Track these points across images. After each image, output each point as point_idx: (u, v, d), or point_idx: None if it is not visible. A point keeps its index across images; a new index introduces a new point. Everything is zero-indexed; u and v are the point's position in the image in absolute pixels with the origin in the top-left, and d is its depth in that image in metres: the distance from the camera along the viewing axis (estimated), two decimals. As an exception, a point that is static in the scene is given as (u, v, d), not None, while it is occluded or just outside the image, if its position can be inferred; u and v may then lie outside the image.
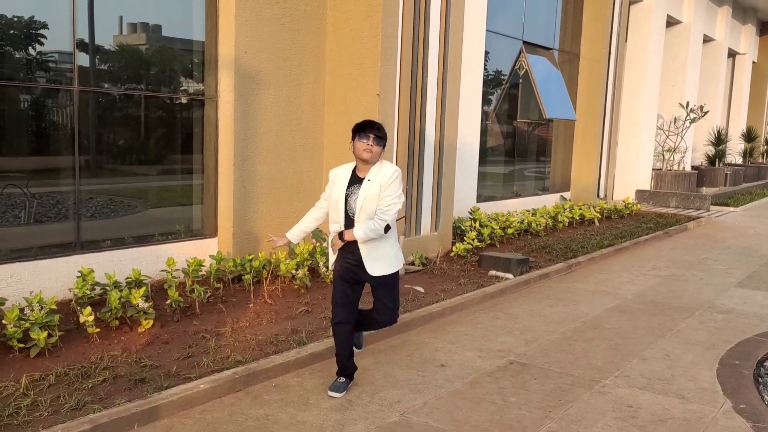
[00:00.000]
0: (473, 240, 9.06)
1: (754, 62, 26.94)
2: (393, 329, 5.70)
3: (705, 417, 4.42)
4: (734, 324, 6.62)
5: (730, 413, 4.48)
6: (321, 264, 7.04)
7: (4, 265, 5.62)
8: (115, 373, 4.50)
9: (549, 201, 13.76)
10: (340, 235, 4.31)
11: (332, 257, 4.47)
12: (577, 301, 7.30)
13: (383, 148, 4.28)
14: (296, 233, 4.69)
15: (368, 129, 4.23)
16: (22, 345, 4.70)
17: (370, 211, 4.24)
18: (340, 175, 4.41)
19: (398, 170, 4.32)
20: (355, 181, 4.32)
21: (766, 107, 28.06)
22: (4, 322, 4.80)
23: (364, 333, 4.99)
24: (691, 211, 15.42)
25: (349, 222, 4.31)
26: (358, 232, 4.24)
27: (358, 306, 4.55)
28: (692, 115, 18.20)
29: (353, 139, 4.27)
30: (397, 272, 4.46)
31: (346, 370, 4.58)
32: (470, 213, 10.58)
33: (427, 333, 5.91)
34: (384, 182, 4.24)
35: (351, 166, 4.40)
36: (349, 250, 4.33)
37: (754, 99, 27.45)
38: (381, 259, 4.35)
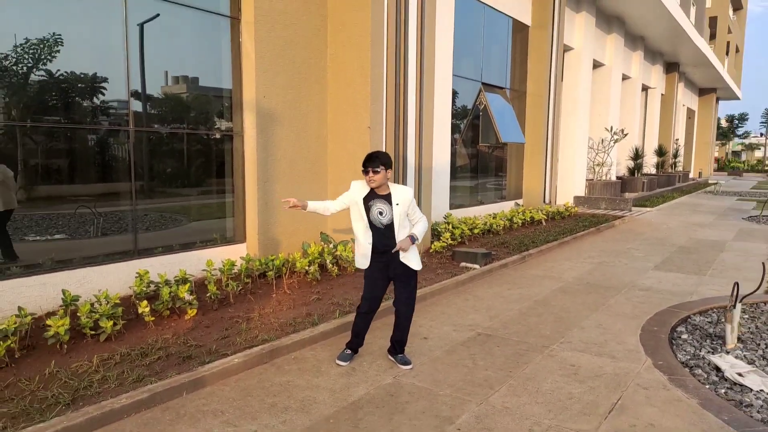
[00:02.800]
0: (447, 239, 9.07)
1: (662, 94, 27.16)
2: (387, 311, 5.71)
3: (631, 372, 4.44)
4: (652, 299, 6.65)
5: (650, 369, 4.51)
6: (328, 261, 7.04)
7: (77, 270, 5.60)
8: (167, 352, 4.49)
9: (506, 207, 13.80)
10: (413, 239, 4.25)
11: (359, 259, 4.34)
12: (529, 285, 7.32)
13: (385, 171, 4.18)
14: (312, 205, 4.43)
15: (367, 165, 4.16)
16: (93, 332, 4.69)
17: (406, 223, 4.30)
18: (359, 189, 4.29)
19: (412, 191, 4.39)
20: (374, 196, 4.23)
21: (672, 129, 28.26)
22: (78, 314, 4.77)
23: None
24: (617, 212, 15.50)
25: (374, 229, 4.25)
26: (419, 233, 4.28)
27: (381, 301, 4.46)
28: (615, 137, 18.33)
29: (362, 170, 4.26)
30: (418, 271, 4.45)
31: (356, 345, 4.57)
32: (445, 218, 10.59)
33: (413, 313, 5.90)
34: (408, 202, 4.26)
35: (368, 189, 4.30)
36: (384, 253, 4.26)
37: (663, 122, 27.66)
38: (414, 258, 4.34)
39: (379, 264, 4.29)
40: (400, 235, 4.25)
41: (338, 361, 4.49)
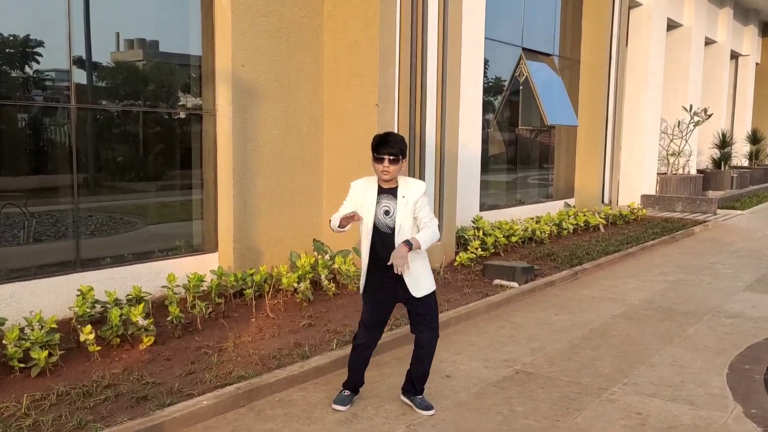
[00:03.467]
0: (477, 249, 9.06)
1: (757, 63, 26.99)
2: (397, 341, 5.71)
3: (715, 423, 4.41)
4: (743, 328, 6.60)
5: (740, 418, 4.47)
6: (323, 277, 7.05)
7: (3, 285, 5.64)
8: (117, 391, 4.50)
9: (553, 208, 13.76)
10: (408, 244, 4.06)
11: (363, 279, 4.35)
12: (583, 309, 7.29)
13: (402, 160, 4.18)
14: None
15: (382, 149, 4.12)
16: (22, 365, 4.71)
17: (408, 226, 4.20)
18: (366, 189, 4.27)
19: (425, 185, 4.33)
20: (381, 191, 4.23)
21: (771, 108, 28.08)
22: (4, 342, 4.81)
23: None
24: (697, 215, 15.41)
25: (376, 233, 4.22)
26: (423, 241, 4.12)
27: (384, 329, 4.49)
28: (696, 119, 18.23)
29: (372, 155, 4.18)
30: (435, 290, 4.39)
31: (356, 384, 4.58)
32: (473, 222, 10.58)
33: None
34: (418, 196, 4.21)
35: (373, 179, 4.29)
36: (390, 266, 4.10)
37: (759, 100, 27.46)
38: (426, 277, 4.28)
39: (383, 280, 4.27)
40: (399, 239, 4.16)
41: (335, 406, 4.50)
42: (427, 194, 4.41)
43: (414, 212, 4.22)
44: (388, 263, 4.06)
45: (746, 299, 7.83)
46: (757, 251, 11.23)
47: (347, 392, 4.57)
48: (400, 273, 4.04)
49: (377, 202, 4.22)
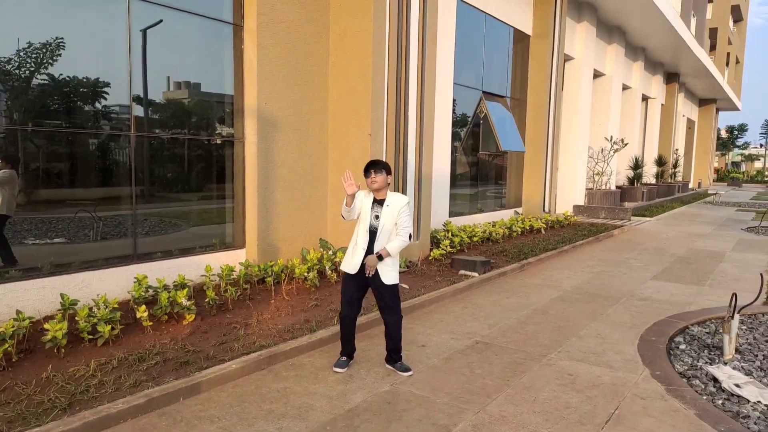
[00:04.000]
0: (447, 246, 9.07)
1: (662, 104, 27.25)
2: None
3: (629, 382, 4.44)
4: (651, 309, 6.64)
5: (648, 379, 4.50)
6: (327, 268, 7.03)
7: (76, 274, 5.60)
8: (165, 357, 4.48)
9: (505, 215, 13.81)
10: (379, 256, 4.25)
11: (348, 261, 4.37)
12: (528, 293, 7.32)
13: (386, 175, 4.31)
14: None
15: (368, 168, 4.30)
16: (90, 336, 4.68)
17: (389, 228, 4.32)
18: (365, 196, 4.39)
19: (408, 200, 4.42)
20: (375, 201, 4.36)
21: (672, 139, 28.32)
22: (76, 318, 4.77)
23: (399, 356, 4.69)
24: (616, 221, 15.51)
25: (370, 229, 4.32)
26: (391, 249, 4.28)
27: (361, 303, 4.53)
28: (615, 146, 18.37)
29: (364, 176, 4.35)
30: (398, 283, 4.47)
31: (350, 351, 4.58)
32: (444, 225, 10.60)
33: (410, 320, 5.90)
34: (399, 206, 4.32)
35: (370, 193, 4.40)
36: (366, 257, 4.32)
37: (663, 132, 27.72)
38: (391, 272, 4.36)
39: (363, 269, 4.37)
40: (380, 241, 4.30)
41: (335, 368, 4.49)
42: (409, 206, 4.46)
43: (396, 218, 4.32)
44: (366, 269, 4.29)
45: (653, 286, 7.89)
46: (662, 249, 11.32)
47: (344, 358, 4.57)
48: (368, 275, 4.28)
49: (371, 209, 4.34)
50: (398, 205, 4.33)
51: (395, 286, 4.41)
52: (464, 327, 5.78)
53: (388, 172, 4.34)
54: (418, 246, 8.83)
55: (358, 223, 4.39)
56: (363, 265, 4.33)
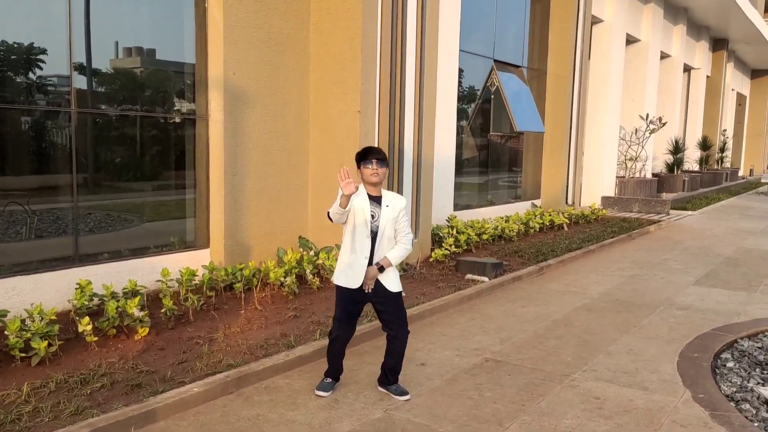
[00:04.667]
0: (451, 246, 9.08)
1: (708, 76, 27.33)
2: (375, 332, 5.70)
3: (666, 406, 4.46)
4: (692, 319, 6.68)
5: (689, 402, 4.53)
6: (308, 272, 7.03)
7: (6, 279, 5.56)
8: (113, 379, 4.46)
9: (521, 208, 13.84)
10: (380, 268, 4.25)
11: (344, 272, 4.33)
12: (548, 301, 7.34)
13: (387, 168, 4.33)
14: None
15: (370, 155, 4.23)
16: (23, 354, 4.65)
17: (390, 233, 4.32)
18: (358, 199, 4.26)
19: (405, 200, 4.45)
20: (371, 200, 4.30)
21: (719, 118, 28.45)
22: (6, 332, 4.74)
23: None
24: (652, 215, 15.58)
25: (373, 238, 4.29)
26: (394, 259, 4.29)
27: (356, 325, 4.53)
28: (652, 126, 18.43)
29: (359, 166, 4.28)
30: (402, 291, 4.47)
31: (337, 373, 4.59)
32: (448, 221, 10.61)
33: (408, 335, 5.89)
34: (399, 208, 4.33)
35: (361, 188, 4.30)
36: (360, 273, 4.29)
37: (709, 110, 27.83)
38: (394, 279, 4.36)
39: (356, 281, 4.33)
40: (382, 248, 4.28)
41: (318, 392, 4.49)
42: (407, 208, 4.49)
43: (396, 222, 4.33)
44: (364, 285, 4.28)
45: (695, 293, 7.93)
46: (706, 249, 11.39)
47: (329, 380, 4.57)
48: (367, 290, 4.28)
49: (373, 212, 4.28)
50: (398, 207, 4.33)
51: (400, 294, 4.41)
52: (472, 342, 5.78)
53: (387, 164, 4.34)
54: (417, 245, 8.83)
55: (353, 226, 4.29)
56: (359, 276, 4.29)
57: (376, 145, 4.47)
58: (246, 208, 7.39)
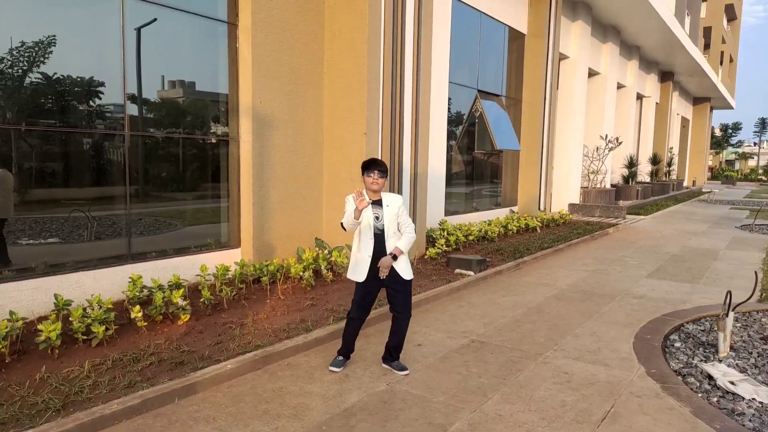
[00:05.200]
0: (442, 245, 9.07)
1: (657, 103, 27.33)
2: (380, 317, 5.70)
3: (624, 380, 4.44)
4: (646, 307, 6.66)
5: (643, 377, 4.51)
6: (323, 267, 7.02)
7: (71, 274, 5.56)
8: (160, 357, 4.46)
9: (501, 213, 13.82)
10: (393, 256, 4.23)
11: (355, 269, 4.32)
12: (524, 292, 7.32)
13: (386, 178, 4.31)
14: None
15: (373, 167, 4.22)
16: (85, 337, 4.65)
17: (394, 229, 4.32)
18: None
19: (402, 198, 4.44)
20: (373, 204, 4.28)
21: (667, 138, 28.42)
22: (71, 319, 4.74)
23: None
24: (611, 220, 15.55)
25: (377, 234, 4.27)
26: (404, 246, 4.27)
27: (371, 306, 4.48)
28: (610, 145, 18.42)
29: (363, 174, 4.26)
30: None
31: (348, 351, 4.56)
32: (440, 224, 10.60)
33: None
34: (398, 205, 4.32)
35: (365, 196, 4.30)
36: (380, 258, 4.27)
37: (658, 131, 27.81)
38: (406, 268, 4.34)
39: (372, 270, 4.31)
40: (390, 242, 4.29)
41: (331, 368, 4.48)
42: (405, 204, 4.46)
43: (397, 218, 4.33)
44: (378, 266, 4.25)
45: (648, 284, 7.91)
46: (657, 247, 11.36)
47: (341, 357, 4.56)
48: (383, 277, 4.25)
49: (374, 212, 4.29)
50: (397, 204, 4.33)
51: (411, 282, 4.41)
52: (460, 326, 5.77)
53: (387, 174, 4.34)
54: (414, 245, 8.82)
55: (360, 229, 4.31)
56: (373, 269, 4.27)
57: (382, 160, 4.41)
58: (271, 214, 7.39)
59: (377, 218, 4.29)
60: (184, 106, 6.87)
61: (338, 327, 5.25)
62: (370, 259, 4.27)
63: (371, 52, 7.71)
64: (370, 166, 4.24)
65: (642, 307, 6.65)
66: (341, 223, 4.26)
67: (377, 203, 4.31)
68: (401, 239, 4.32)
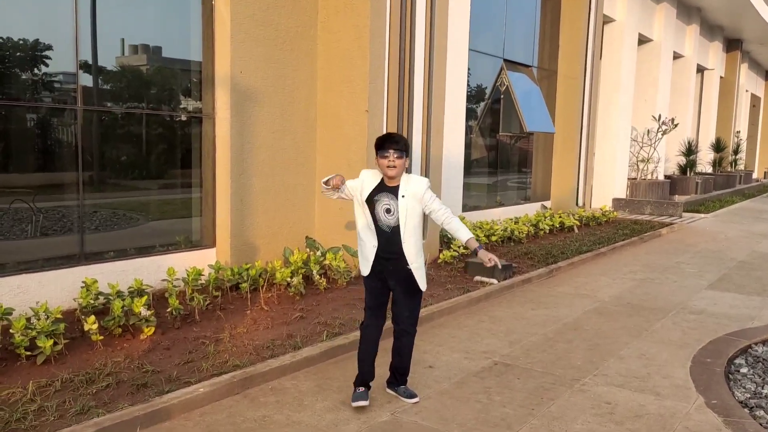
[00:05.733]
0: (459, 247, 9.07)
1: (721, 77, 27.21)
2: (386, 333, 5.70)
3: (679, 412, 4.44)
4: (706, 324, 6.66)
5: (702, 408, 4.50)
6: (315, 272, 7.04)
7: (11, 277, 5.59)
8: (118, 378, 4.48)
9: (531, 210, 13.82)
10: (473, 252, 4.23)
11: (361, 261, 4.28)
12: (557, 304, 7.33)
13: (406, 158, 4.11)
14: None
15: (387, 144, 4.03)
16: (29, 353, 4.67)
17: (415, 223, 4.15)
18: (369, 180, 4.17)
19: (428, 181, 4.25)
20: (383, 189, 4.12)
21: (733, 119, 28.32)
22: (11, 331, 4.76)
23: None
24: (664, 218, 15.52)
25: (379, 231, 4.16)
26: (466, 234, 4.25)
27: (386, 310, 4.39)
28: (664, 127, 18.37)
29: (376, 155, 4.11)
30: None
31: (368, 378, 4.36)
32: (456, 222, 10.59)
33: (416, 336, 5.88)
34: (420, 194, 4.13)
35: (380, 174, 4.18)
36: (388, 260, 4.20)
37: (722, 111, 27.70)
38: (423, 276, 4.29)
39: (389, 268, 4.22)
40: (408, 241, 4.13)
41: (355, 403, 4.25)
42: (430, 187, 4.26)
43: (424, 209, 4.18)
44: (486, 263, 4.18)
45: (709, 297, 7.90)
46: (719, 252, 11.33)
47: (361, 389, 4.35)
48: (492, 265, 4.22)
49: (379, 200, 4.12)
50: (419, 193, 4.11)
51: (422, 294, 4.38)
52: (480, 344, 5.78)
53: (408, 153, 4.10)
54: (425, 247, 8.79)
55: (359, 218, 4.21)
56: (377, 268, 4.21)
57: (401, 135, 4.26)
58: (252, 207, 7.41)
59: (388, 211, 4.11)
60: (149, 75, 6.88)
61: (332, 344, 5.27)
62: (374, 250, 4.16)
63: (375, 11, 7.70)
64: (383, 144, 4.04)
65: (701, 324, 6.65)
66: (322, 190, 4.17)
67: (392, 190, 4.11)
68: (458, 230, 4.20)
